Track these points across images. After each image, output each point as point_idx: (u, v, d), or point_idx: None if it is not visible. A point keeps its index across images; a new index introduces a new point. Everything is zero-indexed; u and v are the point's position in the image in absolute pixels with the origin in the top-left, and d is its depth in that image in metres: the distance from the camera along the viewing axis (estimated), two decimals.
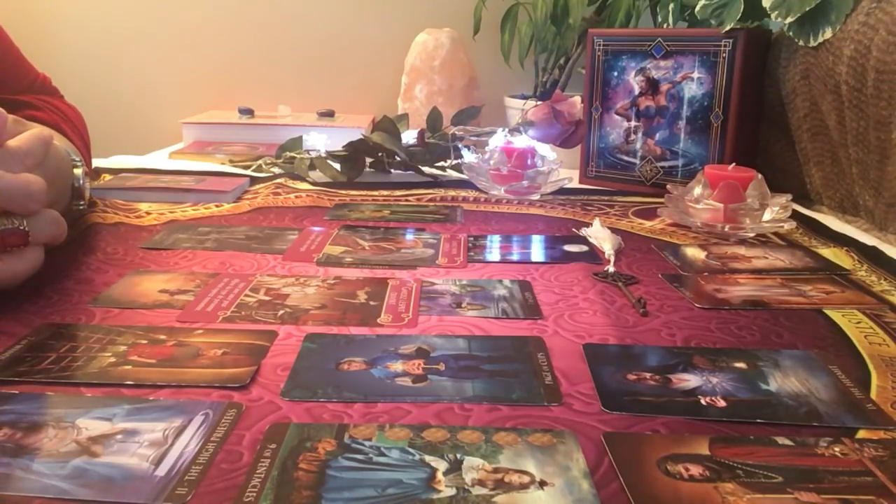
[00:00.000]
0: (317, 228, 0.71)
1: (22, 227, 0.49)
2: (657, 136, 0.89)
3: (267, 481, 0.31)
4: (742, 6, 0.82)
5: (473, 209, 0.82)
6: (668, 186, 0.80)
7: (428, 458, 0.33)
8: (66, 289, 0.54)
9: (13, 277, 0.50)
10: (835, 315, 0.52)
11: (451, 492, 0.31)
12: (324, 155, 0.97)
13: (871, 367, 0.44)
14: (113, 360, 0.42)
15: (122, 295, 0.53)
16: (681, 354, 0.45)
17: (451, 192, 0.89)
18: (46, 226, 0.51)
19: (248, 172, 0.97)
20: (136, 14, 1.46)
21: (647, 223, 0.77)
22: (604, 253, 0.65)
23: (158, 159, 1.08)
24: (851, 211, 0.80)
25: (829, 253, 0.66)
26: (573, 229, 0.73)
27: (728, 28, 0.83)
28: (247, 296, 0.53)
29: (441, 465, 0.33)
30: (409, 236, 0.70)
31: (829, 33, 0.77)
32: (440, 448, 0.34)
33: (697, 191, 0.74)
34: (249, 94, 1.43)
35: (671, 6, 0.99)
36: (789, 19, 0.79)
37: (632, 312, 0.52)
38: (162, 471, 0.32)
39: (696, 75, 0.85)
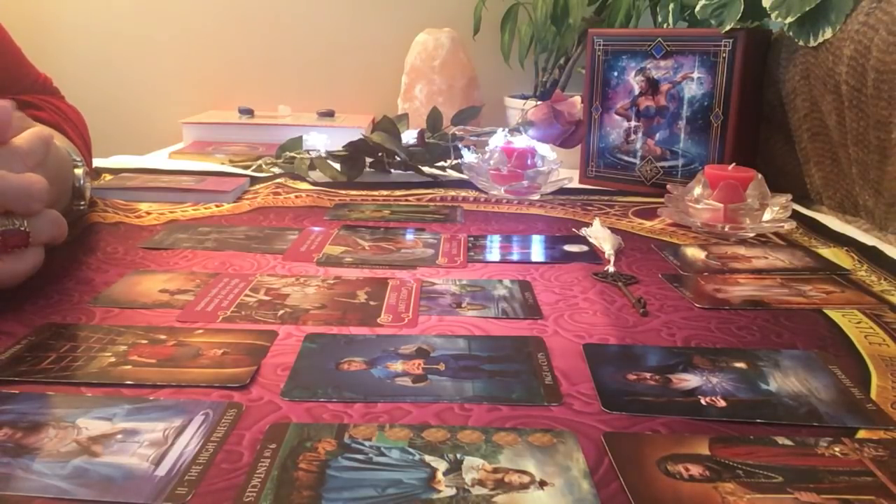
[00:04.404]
0: (317, 228, 0.71)
1: (23, 228, 0.49)
2: (657, 136, 0.89)
3: (267, 481, 0.31)
4: (742, 6, 0.82)
5: (473, 209, 0.82)
6: (668, 186, 0.80)
7: (428, 458, 0.33)
8: (66, 289, 0.54)
9: (14, 277, 0.50)
10: (835, 315, 0.52)
11: (451, 492, 0.31)
12: (324, 155, 0.97)
13: (871, 367, 0.44)
14: (113, 359, 0.42)
15: (122, 295, 0.53)
16: (681, 354, 0.45)
17: (451, 192, 0.89)
18: (47, 226, 0.51)
19: (248, 172, 0.97)
20: (137, 14, 1.47)
21: (647, 223, 0.77)
22: (604, 253, 0.65)
23: (158, 159, 1.08)
24: (851, 211, 0.80)
25: (829, 253, 0.66)
26: (573, 229, 0.73)
27: (728, 28, 0.83)
28: (247, 296, 0.53)
29: (441, 465, 0.33)
30: (409, 236, 0.70)
31: (829, 33, 0.77)
32: (440, 448, 0.34)
33: (697, 191, 0.74)
34: (249, 94, 1.44)
35: (671, 6, 0.99)
36: (789, 19, 0.79)
37: (632, 312, 0.52)
38: (162, 471, 0.32)
39: (696, 75, 0.85)
